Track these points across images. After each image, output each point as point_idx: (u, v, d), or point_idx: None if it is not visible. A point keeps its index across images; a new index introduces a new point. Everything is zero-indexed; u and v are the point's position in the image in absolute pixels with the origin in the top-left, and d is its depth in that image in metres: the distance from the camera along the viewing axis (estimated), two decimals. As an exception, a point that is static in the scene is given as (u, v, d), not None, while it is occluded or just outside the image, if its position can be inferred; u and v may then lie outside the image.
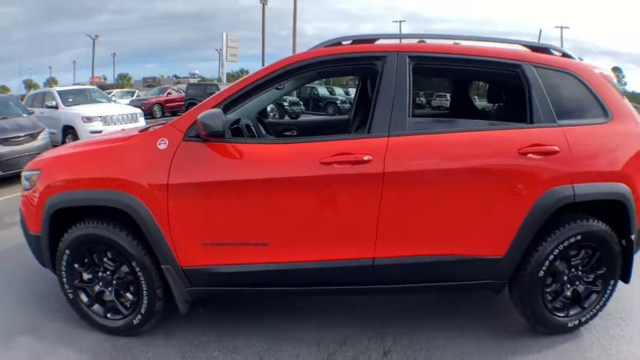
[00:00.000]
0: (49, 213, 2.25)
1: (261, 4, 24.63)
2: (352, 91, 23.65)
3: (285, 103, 17.05)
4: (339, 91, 22.86)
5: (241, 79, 2.27)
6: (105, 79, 61.18)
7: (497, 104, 2.93)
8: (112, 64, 57.81)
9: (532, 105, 2.24)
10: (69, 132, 8.55)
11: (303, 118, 17.78)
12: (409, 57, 2.20)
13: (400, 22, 42.25)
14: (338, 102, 20.76)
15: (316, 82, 20.48)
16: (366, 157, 2.06)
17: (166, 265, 2.17)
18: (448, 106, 3.62)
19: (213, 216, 2.11)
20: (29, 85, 52.44)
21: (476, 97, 3.61)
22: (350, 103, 21.37)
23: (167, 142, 2.14)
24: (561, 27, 37.87)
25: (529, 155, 2.13)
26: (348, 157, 2.07)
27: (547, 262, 2.21)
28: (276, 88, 2.90)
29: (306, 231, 2.13)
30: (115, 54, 58.55)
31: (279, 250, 2.13)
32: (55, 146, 7.56)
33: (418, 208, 2.12)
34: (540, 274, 2.22)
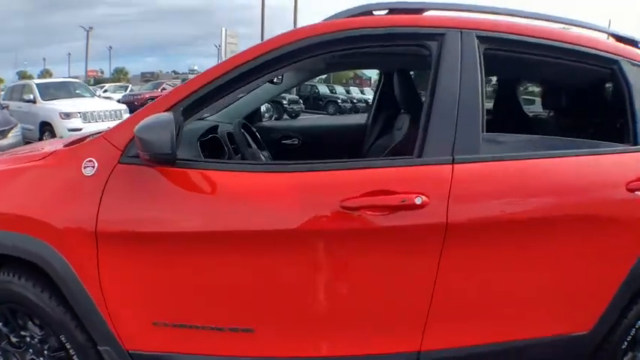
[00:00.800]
0: None
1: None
2: (353, 91, 23.37)
3: (284, 101, 16.43)
4: (339, 89, 22.48)
5: (215, 65, 1.50)
6: (102, 72, 60.78)
7: (560, 112, 2.26)
8: (109, 58, 57.24)
9: (635, 118, 1.58)
10: (46, 129, 7.87)
11: (304, 118, 17.18)
12: (478, 37, 1.46)
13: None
14: (339, 101, 20.48)
15: (316, 79, 19.96)
16: (418, 199, 1.31)
17: (104, 346, 1.46)
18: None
19: (168, 284, 1.40)
20: (23, 76, 51.60)
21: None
22: (351, 102, 20.94)
23: (96, 164, 1.39)
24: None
25: (637, 192, 1.48)
26: (386, 198, 1.32)
27: (633, 330, 1.65)
28: (272, 82, 2.14)
29: (315, 313, 1.40)
30: (111, 47, 57.96)
31: (272, 340, 1.41)
32: (29, 143, 6.94)
33: (492, 277, 1.42)
34: (623, 346, 1.66)
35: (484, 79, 1.43)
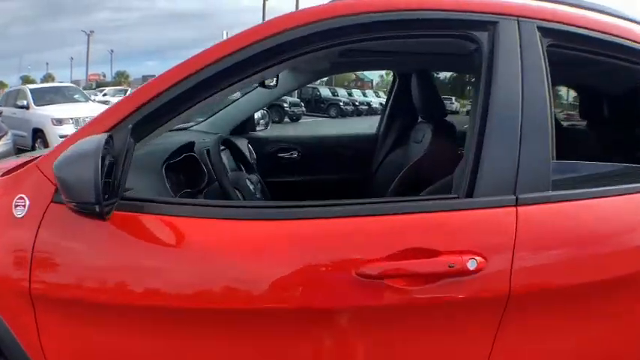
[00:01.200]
0: None
1: (262, 1, 23.92)
2: (356, 93, 22.97)
3: (285, 104, 16.14)
4: (341, 92, 22.15)
5: (179, 64, 1.05)
6: (104, 76, 60.87)
7: (605, 123, 1.94)
8: (111, 61, 57.36)
9: None
10: (38, 135, 7.61)
11: (305, 122, 16.90)
12: (540, 29, 1.07)
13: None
14: (341, 104, 20.25)
15: (317, 82, 19.61)
16: (471, 263, 0.91)
17: None
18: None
19: None
20: (26, 81, 51.79)
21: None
22: (353, 105, 20.53)
23: (27, 202, 1.04)
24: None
25: None
26: (425, 262, 0.92)
27: None
28: (263, 85, 1.70)
29: None
30: (112, 51, 58.01)
31: None
32: (21, 151, 6.69)
33: (563, 354, 1.04)
34: None
35: (551, 84, 1.03)
